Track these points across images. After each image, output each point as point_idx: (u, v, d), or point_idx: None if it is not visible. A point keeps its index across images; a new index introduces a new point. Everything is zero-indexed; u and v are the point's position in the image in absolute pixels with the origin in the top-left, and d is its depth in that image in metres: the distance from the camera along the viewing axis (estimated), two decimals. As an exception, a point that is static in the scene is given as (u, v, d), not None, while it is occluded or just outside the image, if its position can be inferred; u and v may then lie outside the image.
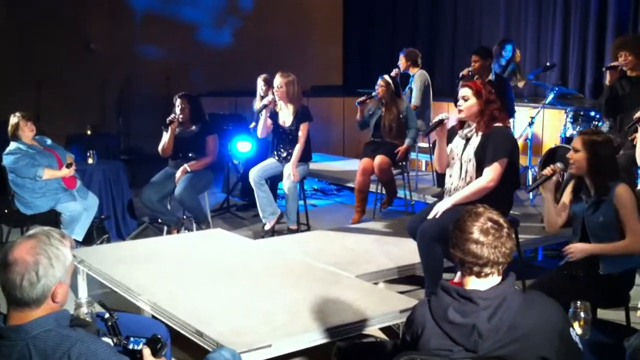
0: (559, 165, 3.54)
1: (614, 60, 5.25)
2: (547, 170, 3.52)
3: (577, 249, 3.44)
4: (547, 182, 3.55)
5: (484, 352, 2.10)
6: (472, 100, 4.00)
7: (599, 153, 3.39)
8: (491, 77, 6.28)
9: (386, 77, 6.45)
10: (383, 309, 3.51)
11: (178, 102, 5.95)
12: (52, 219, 5.38)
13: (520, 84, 7.93)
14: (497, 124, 4.03)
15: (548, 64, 8.15)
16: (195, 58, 10.68)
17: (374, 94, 6.41)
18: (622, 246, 3.37)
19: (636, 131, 4.44)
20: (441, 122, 4.13)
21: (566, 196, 3.64)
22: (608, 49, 8.26)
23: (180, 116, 5.91)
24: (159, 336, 2.27)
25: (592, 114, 6.48)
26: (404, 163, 6.53)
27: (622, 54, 5.12)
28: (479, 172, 4.00)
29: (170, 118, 5.88)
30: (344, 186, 8.07)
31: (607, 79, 5.30)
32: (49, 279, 2.03)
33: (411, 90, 7.29)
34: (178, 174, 5.81)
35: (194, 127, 6.00)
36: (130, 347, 2.27)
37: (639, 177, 4.79)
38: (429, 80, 7.32)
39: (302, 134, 5.87)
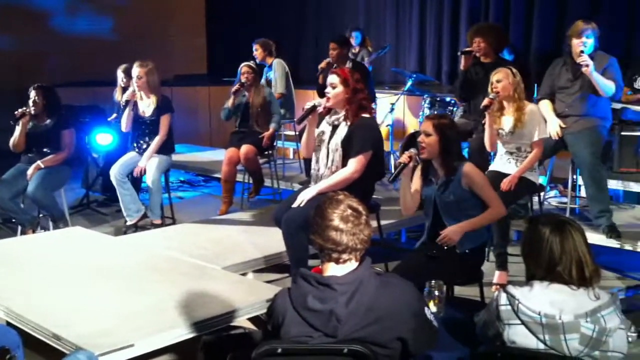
0: (412, 150, 3.68)
1: (470, 47, 5.52)
2: (404, 158, 3.65)
3: (451, 231, 3.55)
4: (405, 168, 3.67)
5: (343, 336, 2.14)
6: (340, 89, 4.04)
7: (448, 135, 3.59)
8: (349, 64, 6.41)
9: (249, 63, 6.44)
10: (250, 299, 3.51)
11: (32, 93, 5.61)
12: None
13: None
14: (364, 115, 4.10)
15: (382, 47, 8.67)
16: (50, 47, 10.11)
17: (243, 80, 6.35)
18: (487, 217, 3.60)
19: (484, 117, 4.67)
20: (314, 109, 4.14)
21: (416, 181, 3.79)
22: (462, 37, 8.68)
23: (33, 109, 5.58)
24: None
25: (448, 99, 6.77)
26: (270, 152, 6.53)
27: (476, 40, 5.41)
28: (344, 162, 4.06)
29: (20, 111, 5.54)
30: (211, 177, 7.97)
31: (462, 64, 5.57)
32: None
33: (269, 80, 7.29)
34: (30, 170, 5.48)
35: (48, 121, 5.68)
36: None
37: (491, 160, 5.04)
38: (287, 68, 7.36)
39: (163, 126, 5.72)
